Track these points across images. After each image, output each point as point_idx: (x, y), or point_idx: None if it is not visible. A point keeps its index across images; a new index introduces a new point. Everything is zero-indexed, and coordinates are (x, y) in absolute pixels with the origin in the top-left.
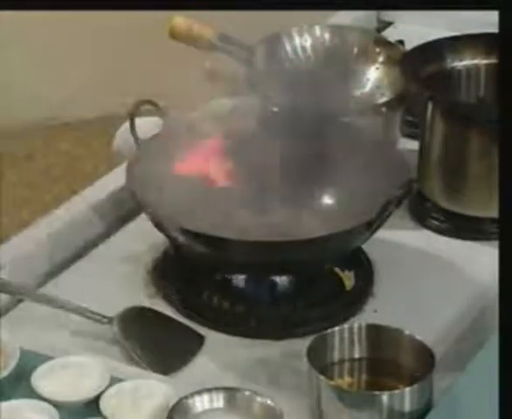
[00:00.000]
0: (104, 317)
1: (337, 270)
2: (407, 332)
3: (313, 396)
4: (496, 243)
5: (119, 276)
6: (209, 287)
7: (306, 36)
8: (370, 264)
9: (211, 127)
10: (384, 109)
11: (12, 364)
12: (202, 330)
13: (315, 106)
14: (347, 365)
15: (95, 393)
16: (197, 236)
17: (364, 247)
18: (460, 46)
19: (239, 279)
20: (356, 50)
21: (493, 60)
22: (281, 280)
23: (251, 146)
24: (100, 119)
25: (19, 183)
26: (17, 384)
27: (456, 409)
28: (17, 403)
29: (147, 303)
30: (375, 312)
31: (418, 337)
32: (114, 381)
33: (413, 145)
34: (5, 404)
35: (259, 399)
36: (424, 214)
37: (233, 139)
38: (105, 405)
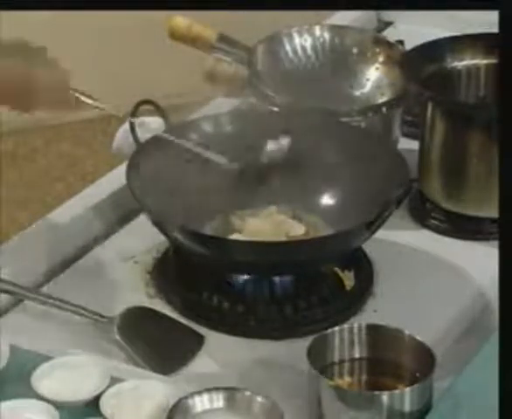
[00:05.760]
0: (104, 317)
1: (337, 270)
2: (407, 332)
3: (313, 396)
4: (496, 243)
5: (119, 276)
6: (209, 287)
7: (306, 36)
8: (370, 264)
9: (211, 127)
10: (384, 109)
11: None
12: (202, 330)
13: (315, 106)
14: (347, 365)
15: (95, 393)
16: (197, 236)
17: (364, 247)
18: (460, 46)
19: (239, 279)
20: (356, 50)
21: (493, 60)
22: (281, 280)
23: (250, 146)
24: (100, 119)
25: (19, 183)
26: (17, 384)
27: (456, 409)
28: (17, 403)
29: (147, 303)
30: (375, 312)
31: (418, 337)
32: (114, 381)
33: (413, 145)
34: (5, 404)
35: (259, 399)
36: (424, 214)
37: (233, 139)
38: (105, 405)
